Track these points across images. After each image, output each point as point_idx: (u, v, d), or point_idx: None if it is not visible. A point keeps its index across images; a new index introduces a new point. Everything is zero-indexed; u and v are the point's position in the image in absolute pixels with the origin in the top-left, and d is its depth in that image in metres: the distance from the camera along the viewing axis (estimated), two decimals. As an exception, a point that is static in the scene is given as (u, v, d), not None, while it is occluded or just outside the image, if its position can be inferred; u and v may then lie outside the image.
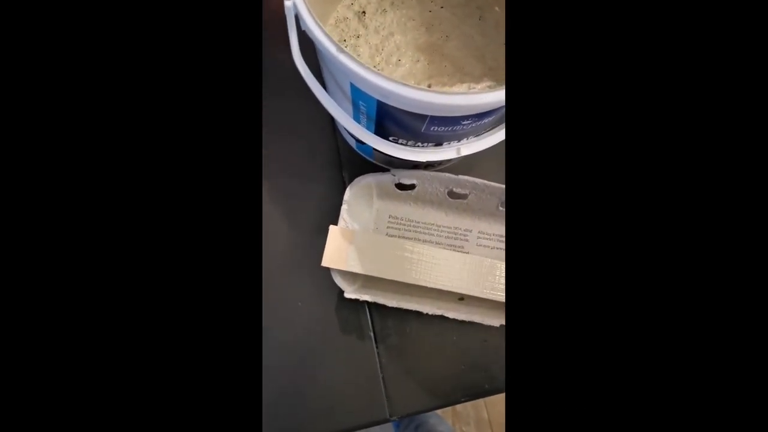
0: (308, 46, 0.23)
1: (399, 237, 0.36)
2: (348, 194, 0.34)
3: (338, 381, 0.34)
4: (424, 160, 0.28)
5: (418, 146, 0.27)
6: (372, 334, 0.35)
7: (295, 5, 0.21)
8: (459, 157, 0.28)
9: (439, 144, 0.27)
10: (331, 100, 0.27)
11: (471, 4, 0.32)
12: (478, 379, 0.35)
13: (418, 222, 0.36)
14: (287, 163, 0.38)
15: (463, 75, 0.31)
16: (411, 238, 0.36)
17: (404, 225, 0.36)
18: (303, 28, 0.22)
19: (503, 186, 0.34)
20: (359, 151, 0.37)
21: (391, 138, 0.27)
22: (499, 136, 0.27)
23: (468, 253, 0.36)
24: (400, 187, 0.35)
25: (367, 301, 0.33)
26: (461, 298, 0.34)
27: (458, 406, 0.99)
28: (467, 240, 0.36)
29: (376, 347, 0.35)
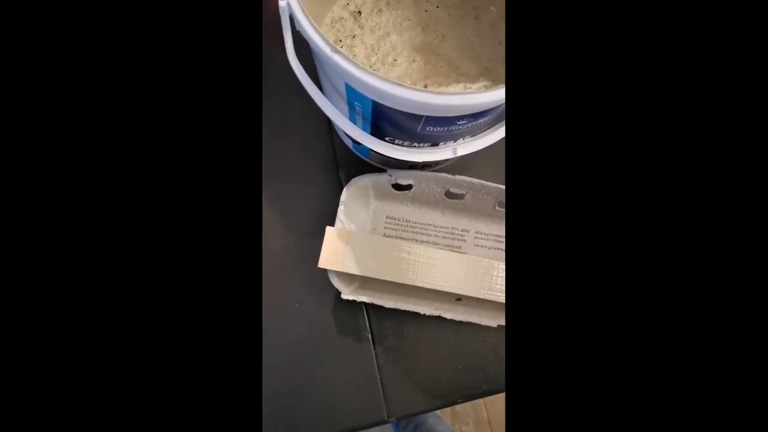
0: (305, 46, 0.22)
1: (396, 237, 0.36)
2: (345, 195, 0.34)
3: (336, 382, 0.34)
4: (421, 161, 0.28)
5: (415, 146, 0.27)
6: (369, 336, 0.35)
7: (289, 5, 0.21)
8: (456, 158, 0.28)
9: (435, 144, 0.27)
10: (327, 101, 0.27)
11: (466, 5, 0.32)
12: (475, 379, 0.34)
13: (415, 222, 0.36)
14: (284, 163, 0.37)
15: (459, 75, 0.31)
16: (408, 239, 0.36)
17: (401, 225, 0.36)
18: (297, 28, 0.22)
19: (500, 186, 0.34)
20: (356, 152, 0.37)
21: (387, 138, 0.27)
22: (495, 135, 0.27)
23: (465, 253, 0.36)
24: (397, 187, 0.35)
25: (364, 302, 0.33)
26: (459, 298, 0.34)
27: (457, 406, 0.99)
28: (464, 240, 0.36)
29: (374, 348, 0.35)
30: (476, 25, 0.32)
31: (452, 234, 0.36)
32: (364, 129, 0.27)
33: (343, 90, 0.24)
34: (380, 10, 0.32)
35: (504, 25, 0.31)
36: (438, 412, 0.90)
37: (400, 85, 0.20)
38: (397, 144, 0.27)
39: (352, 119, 0.27)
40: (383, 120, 0.24)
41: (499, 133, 0.27)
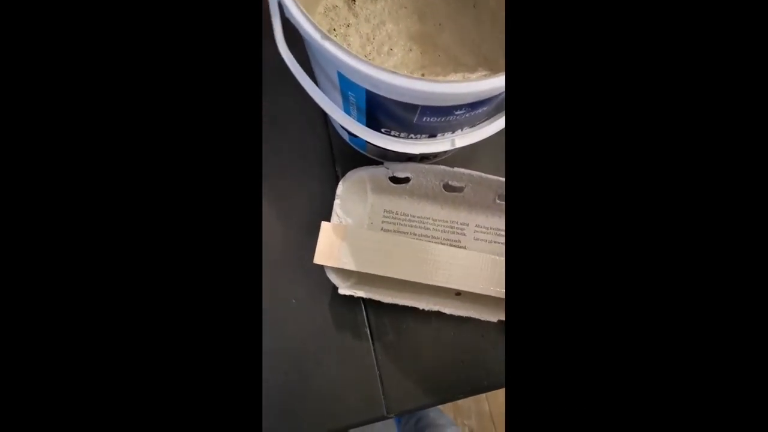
0: (297, 38, 0.22)
1: (394, 232, 0.35)
2: (341, 188, 0.33)
3: (335, 379, 0.33)
4: (418, 152, 0.27)
5: (412, 138, 0.26)
6: (368, 331, 0.34)
7: (278, -9, 0.20)
8: (454, 149, 0.27)
9: (432, 135, 0.26)
10: (321, 92, 0.26)
11: (465, -9, 0.31)
12: (475, 375, 0.34)
13: (414, 216, 0.35)
14: (279, 157, 0.37)
15: (458, 65, 0.30)
16: (407, 233, 0.35)
17: (399, 219, 0.35)
18: (287, 15, 0.21)
19: (500, 178, 0.33)
20: (352, 144, 0.36)
21: (383, 130, 0.26)
22: (495, 126, 0.26)
23: (465, 247, 0.35)
24: (395, 180, 0.34)
25: (362, 298, 0.33)
26: (458, 293, 0.33)
27: (459, 400, 0.99)
28: (464, 234, 0.35)
29: (373, 344, 0.34)
30: (475, 14, 0.31)
31: (451, 228, 0.35)
32: (359, 120, 0.26)
33: (336, 80, 0.23)
34: (375, -2, 0.31)
35: (504, 12, 0.30)
36: (440, 406, 0.90)
37: (394, 73, 0.19)
38: (394, 135, 0.26)
39: (347, 110, 0.26)
40: (378, 111, 0.24)
41: (498, 123, 0.26)
